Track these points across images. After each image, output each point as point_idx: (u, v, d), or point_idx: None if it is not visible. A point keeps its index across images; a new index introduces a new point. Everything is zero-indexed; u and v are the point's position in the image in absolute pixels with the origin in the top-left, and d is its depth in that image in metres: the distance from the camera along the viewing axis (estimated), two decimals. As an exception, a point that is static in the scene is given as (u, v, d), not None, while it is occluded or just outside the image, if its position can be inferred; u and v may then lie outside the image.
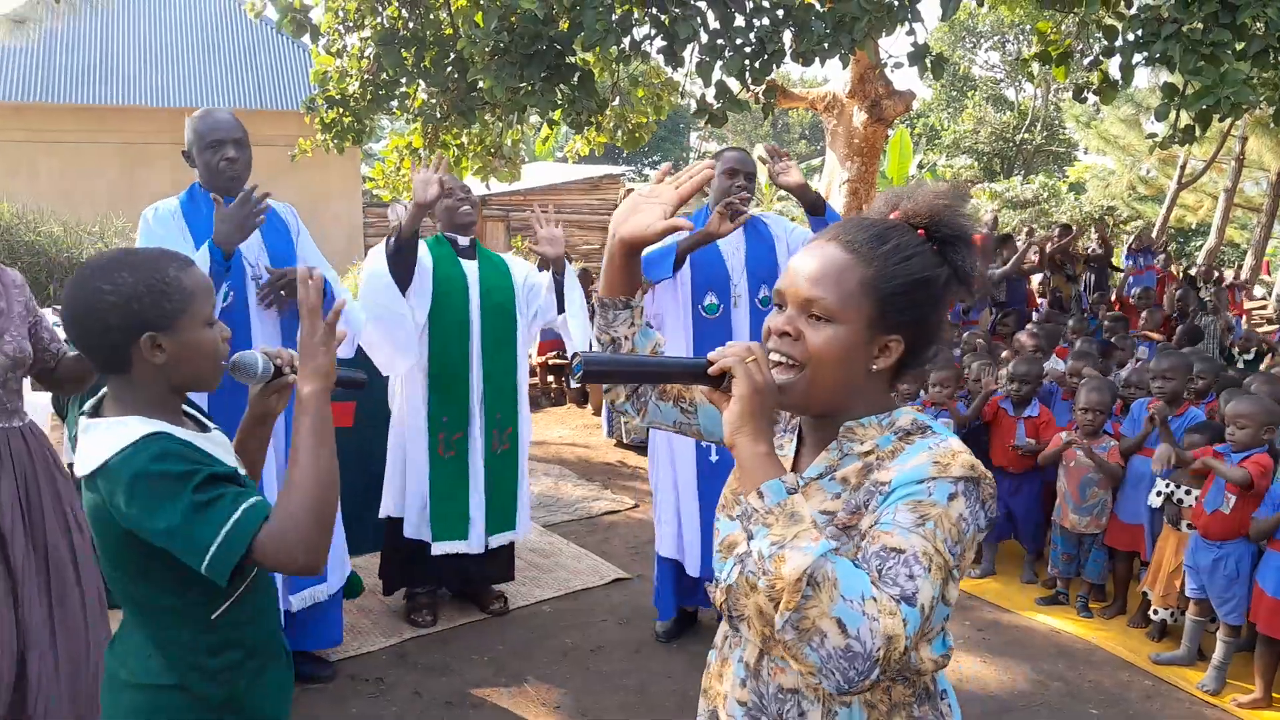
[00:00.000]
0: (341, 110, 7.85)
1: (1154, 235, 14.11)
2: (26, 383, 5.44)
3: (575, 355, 1.27)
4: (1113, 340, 6.09)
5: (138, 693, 1.55)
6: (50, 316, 2.75)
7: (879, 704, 1.30)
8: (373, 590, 4.28)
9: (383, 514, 3.95)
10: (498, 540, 3.96)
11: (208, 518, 1.39)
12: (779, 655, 1.30)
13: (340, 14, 7.58)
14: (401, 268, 3.62)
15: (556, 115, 6.97)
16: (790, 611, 1.10)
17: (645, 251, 3.57)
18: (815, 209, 3.56)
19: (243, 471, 1.62)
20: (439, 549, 3.85)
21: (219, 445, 1.58)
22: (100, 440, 1.46)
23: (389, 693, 3.45)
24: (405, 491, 3.87)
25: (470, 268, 3.88)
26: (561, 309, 3.94)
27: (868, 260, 1.28)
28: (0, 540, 2.50)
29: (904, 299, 1.28)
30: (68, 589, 2.61)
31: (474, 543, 3.89)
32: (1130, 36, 5.69)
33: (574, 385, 8.87)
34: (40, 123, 15.68)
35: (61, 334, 2.68)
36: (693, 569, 3.75)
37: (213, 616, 1.52)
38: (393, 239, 3.61)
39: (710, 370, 1.26)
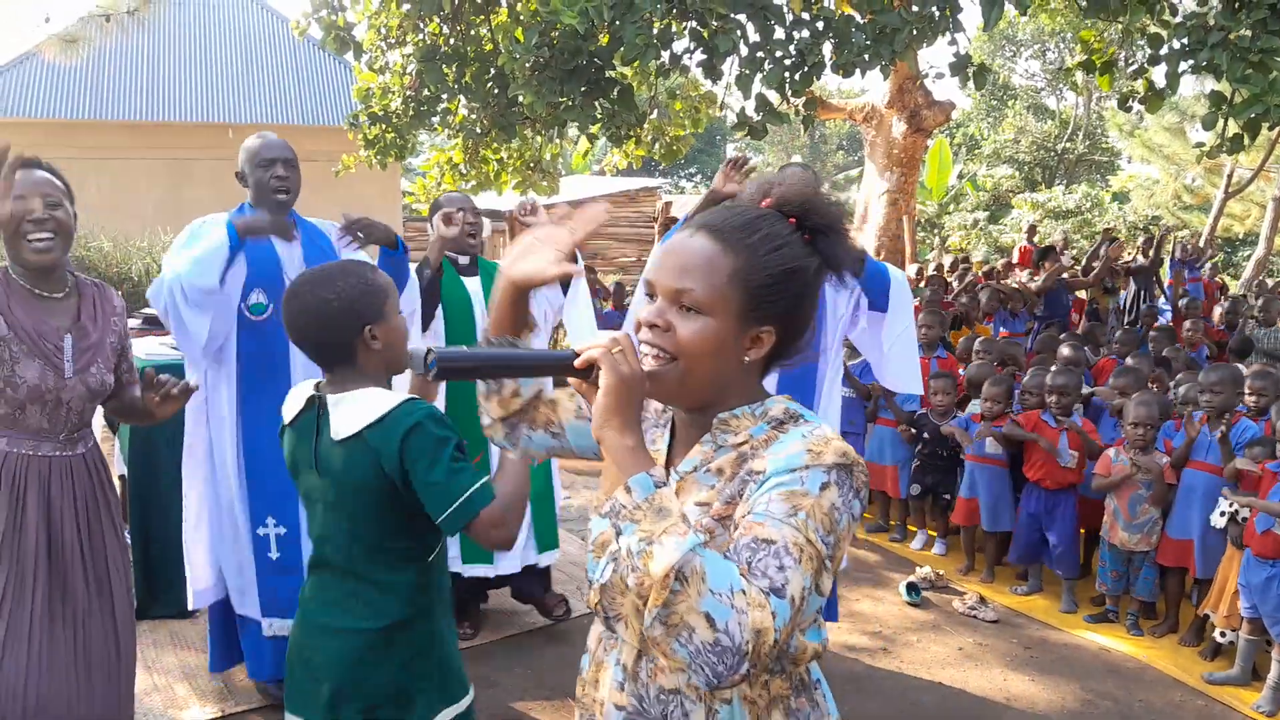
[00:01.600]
0: (384, 126, 7.95)
1: (1200, 245, 13.89)
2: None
3: (429, 351, 1.23)
4: (1164, 353, 5.99)
5: (354, 636, 1.81)
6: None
7: (758, 699, 1.28)
8: (416, 602, 4.31)
9: None
10: (549, 558, 4.01)
11: (457, 482, 1.72)
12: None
13: (383, 31, 7.68)
14: (430, 304, 3.73)
15: (595, 129, 7.00)
16: (659, 607, 1.07)
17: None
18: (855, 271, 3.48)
19: None
20: (468, 571, 3.86)
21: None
22: (362, 406, 1.78)
23: (432, 705, 3.47)
24: None
25: (473, 285, 3.90)
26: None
27: (737, 250, 1.24)
28: (55, 566, 2.47)
29: (774, 290, 1.25)
30: (105, 619, 2.56)
31: (502, 565, 3.89)
32: (1176, 44, 5.62)
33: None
34: (89, 139, 16.01)
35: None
36: None
37: (429, 559, 1.82)
38: (427, 272, 3.69)
39: (576, 363, 1.23)
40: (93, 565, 2.52)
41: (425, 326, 3.74)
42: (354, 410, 1.78)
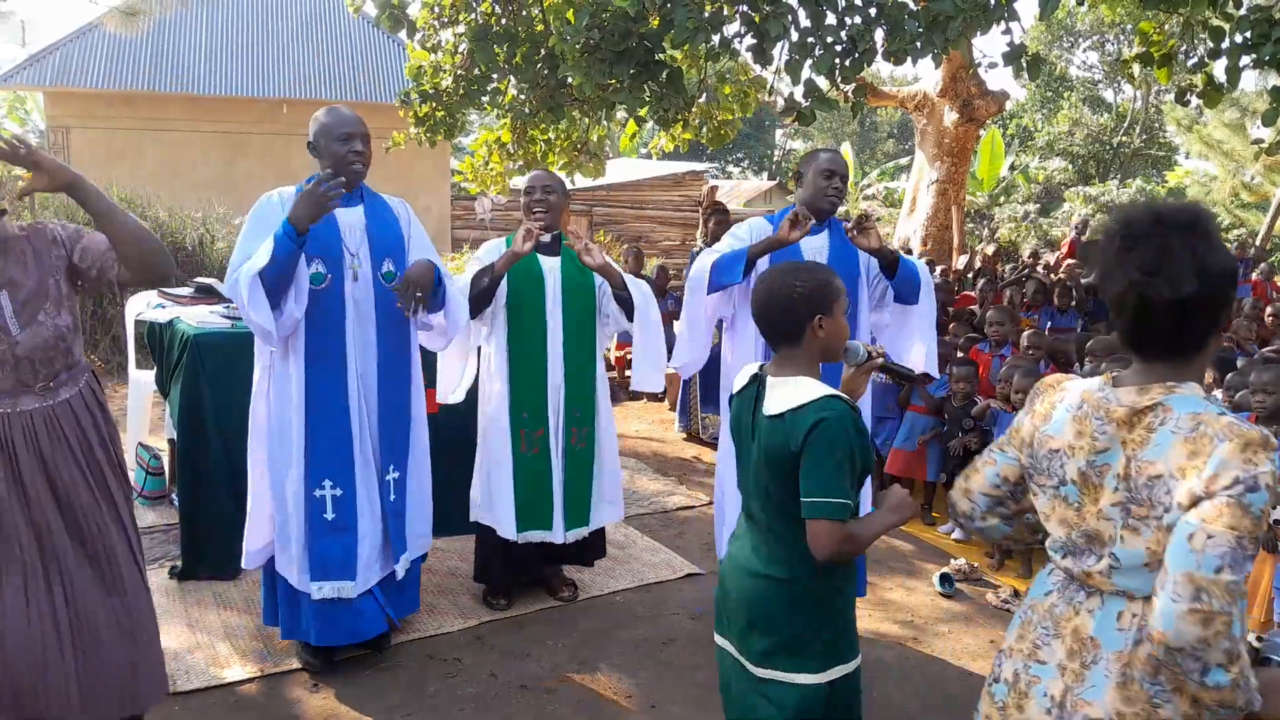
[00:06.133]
0: (435, 105, 8.00)
1: (1258, 244, 13.57)
2: (131, 361, 5.62)
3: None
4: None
5: (763, 581, 2.13)
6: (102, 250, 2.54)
7: None
8: (452, 573, 4.39)
9: (473, 518, 4.06)
10: (574, 535, 4.03)
11: (829, 485, 1.98)
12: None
13: (436, 10, 7.73)
14: (481, 303, 3.82)
15: (644, 112, 7.00)
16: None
17: (717, 256, 3.63)
18: (889, 269, 3.63)
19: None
20: (524, 537, 3.93)
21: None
22: (790, 392, 2.08)
23: (465, 673, 3.54)
24: (493, 493, 3.95)
25: (550, 264, 3.93)
26: (630, 317, 4.00)
27: None
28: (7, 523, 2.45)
29: None
30: (90, 577, 2.55)
31: (557, 533, 3.97)
32: (1238, 38, 5.51)
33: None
34: (148, 111, 16.31)
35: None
36: None
37: None
38: (486, 279, 3.77)
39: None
40: (78, 521, 2.51)
41: (474, 315, 3.80)
42: (785, 394, 2.08)
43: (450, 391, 4.10)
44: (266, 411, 3.42)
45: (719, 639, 2.27)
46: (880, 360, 2.26)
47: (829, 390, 2.07)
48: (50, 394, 2.52)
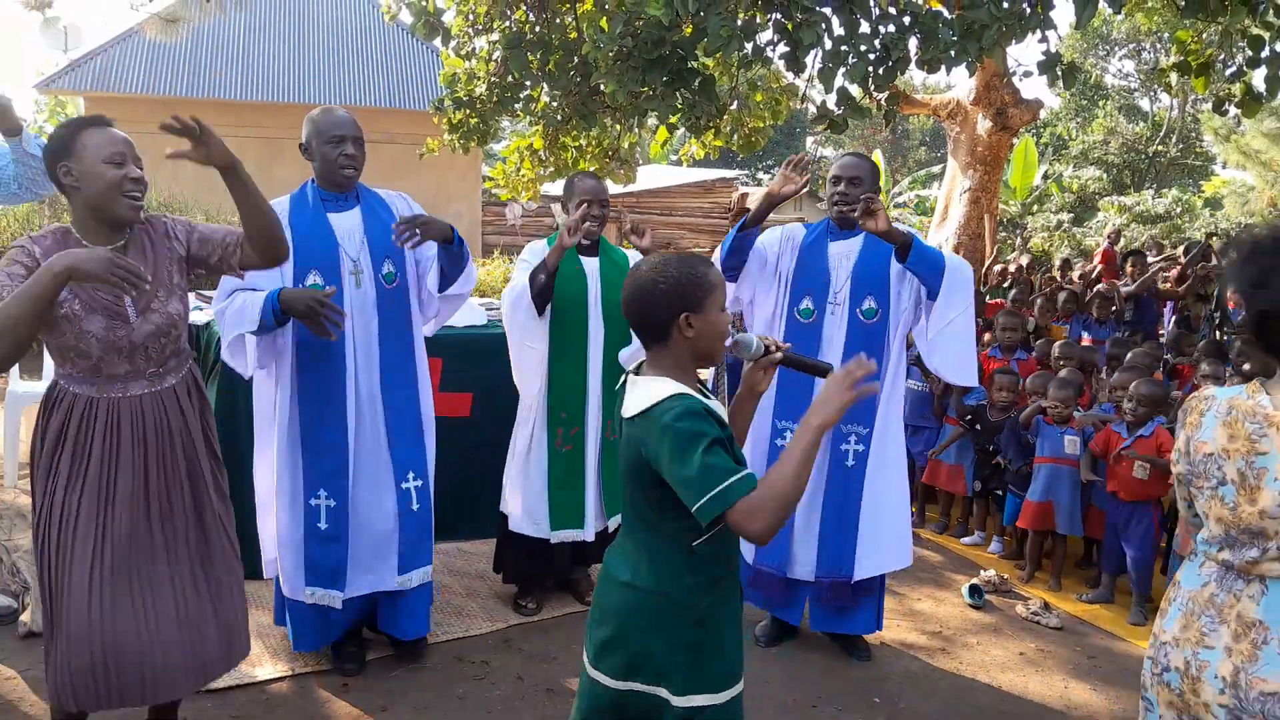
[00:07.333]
0: (468, 111, 8.07)
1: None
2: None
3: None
4: (1245, 367, 5.80)
5: (628, 591, 1.99)
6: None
7: None
8: (481, 575, 4.41)
9: (503, 508, 4.07)
10: (615, 522, 4.05)
11: (710, 476, 1.79)
12: None
13: (470, 17, 7.81)
14: (542, 299, 3.81)
15: (675, 119, 7.03)
16: None
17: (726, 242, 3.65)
18: (900, 254, 3.47)
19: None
20: (556, 537, 3.95)
21: (719, 410, 1.97)
22: (642, 393, 1.93)
23: (493, 676, 3.56)
24: (526, 493, 3.96)
25: (590, 265, 3.96)
26: None
27: None
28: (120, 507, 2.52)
29: None
30: (200, 559, 2.67)
31: (588, 531, 3.98)
32: (1278, 47, 5.45)
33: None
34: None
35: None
36: (803, 573, 3.74)
37: (694, 544, 1.94)
38: (543, 275, 3.75)
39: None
40: (191, 502, 2.62)
41: (540, 313, 3.83)
42: (638, 396, 1.94)
43: (530, 387, 3.96)
44: (269, 424, 3.42)
45: (585, 661, 2.09)
46: (780, 354, 2.13)
47: (679, 388, 1.91)
48: (158, 379, 2.59)
